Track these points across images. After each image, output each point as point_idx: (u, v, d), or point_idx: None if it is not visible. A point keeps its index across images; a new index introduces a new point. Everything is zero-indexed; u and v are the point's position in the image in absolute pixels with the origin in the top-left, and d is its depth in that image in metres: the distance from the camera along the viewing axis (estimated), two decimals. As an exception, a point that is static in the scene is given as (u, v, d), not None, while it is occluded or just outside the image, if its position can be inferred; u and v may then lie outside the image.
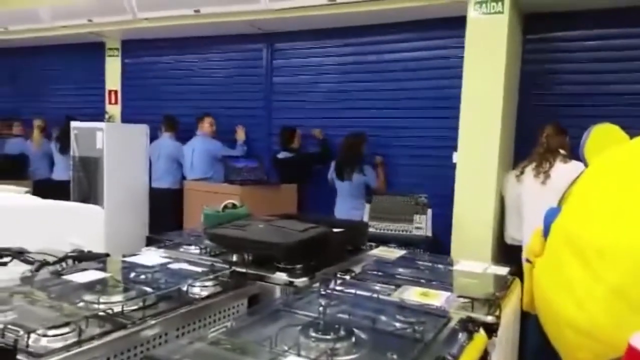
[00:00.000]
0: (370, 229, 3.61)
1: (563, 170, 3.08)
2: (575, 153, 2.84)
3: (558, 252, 1.80)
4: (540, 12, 3.78)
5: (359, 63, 4.57)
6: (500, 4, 3.52)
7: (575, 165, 2.93)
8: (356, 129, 4.28)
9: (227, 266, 1.69)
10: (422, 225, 3.65)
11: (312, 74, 4.80)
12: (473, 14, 3.61)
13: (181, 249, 2.02)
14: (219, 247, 1.93)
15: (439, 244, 3.66)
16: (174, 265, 1.76)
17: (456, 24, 3.76)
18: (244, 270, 1.71)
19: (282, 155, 4.60)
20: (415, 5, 3.80)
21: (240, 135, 4.92)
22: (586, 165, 1.97)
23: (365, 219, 3.80)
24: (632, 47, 3.61)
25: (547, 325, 1.86)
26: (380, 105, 4.44)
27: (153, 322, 1.32)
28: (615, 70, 3.67)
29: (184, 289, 1.54)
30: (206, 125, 4.90)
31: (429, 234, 3.64)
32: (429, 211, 3.70)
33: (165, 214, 4.86)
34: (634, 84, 3.60)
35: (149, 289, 1.50)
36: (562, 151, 3.22)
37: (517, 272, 2.18)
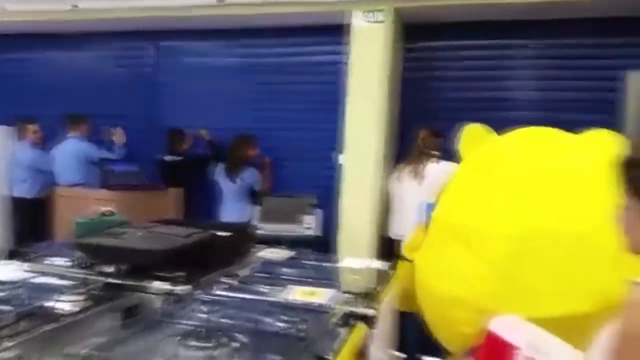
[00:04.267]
0: (261, 231, 3.61)
1: (435, 170, 3.33)
2: (447, 154, 3.10)
3: (441, 240, 1.97)
4: (419, 23, 4.02)
5: (248, 65, 4.54)
6: (381, 13, 3.71)
7: (446, 166, 3.19)
8: (244, 131, 4.24)
9: (99, 278, 1.58)
10: (311, 225, 3.72)
11: (200, 74, 4.66)
12: (356, 22, 3.76)
13: (46, 262, 1.84)
14: (92, 258, 1.79)
15: (328, 243, 3.75)
16: (39, 280, 1.61)
17: (341, 31, 3.88)
18: (119, 281, 1.60)
19: (169, 158, 4.41)
20: (300, 12, 3.87)
21: (119, 137, 4.61)
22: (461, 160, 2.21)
23: (255, 221, 3.78)
24: (502, 57, 3.98)
25: (431, 312, 2.01)
26: (269, 107, 4.44)
27: (11, 344, 1.19)
28: (486, 78, 4.01)
29: (50, 304, 1.40)
30: (80, 127, 4.53)
31: (318, 233, 3.73)
32: (318, 211, 3.79)
33: (27, 226, 4.41)
34: (503, 91, 3.97)
35: (6, 307, 1.35)
36: (435, 152, 3.46)
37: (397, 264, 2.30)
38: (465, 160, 2.19)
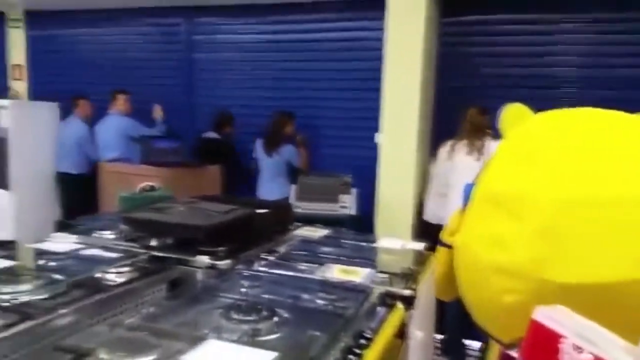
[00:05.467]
0: (297, 210, 3.64)
1: (495, 147, 3.21)
2: (495, 133, 3.02)
3: (482, 210, 1.94)
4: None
5: (284, 41, 4.52)
6: (418, -13, 3.60)
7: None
8: (281, 108, 4.24)
9: (144, 251, 1.63)
10: (347, 204, 3.72)
11: (236, 51, 4.68)
12: (393, -5, 3.66)
13: (94, 234, 1.91)
14: (137, 231, 1.84)
15: (364, 222, 3.75)
16: (87, 251, 1.66)
17: (377, 5, 3.79)
18: (162, 254, 1.65)
19: (211, 135, 4.48)
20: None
21: (158, 113, 4.67)
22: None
23: (292, 199, 3.81)
24: (542, 32, 3.81)
25: (471, 284, 1.98)
26: (305, 85, 4.43)
27: (64, 311, 1.24)
28: (528, 54, 3.86)
29: (98, 275, 1.46)
30: (120, 103, 4.63)
31: (354, 212, 3.73)
32: (354, 190, 3.78)
33: (74, 200, 4.57)
34: (541, 67, 3.82)
35: (59, 277, 1.41)
36: (489, 131, 3.36)
37: (434, 247, 2.28)
38: (507, 138, 2.14)
